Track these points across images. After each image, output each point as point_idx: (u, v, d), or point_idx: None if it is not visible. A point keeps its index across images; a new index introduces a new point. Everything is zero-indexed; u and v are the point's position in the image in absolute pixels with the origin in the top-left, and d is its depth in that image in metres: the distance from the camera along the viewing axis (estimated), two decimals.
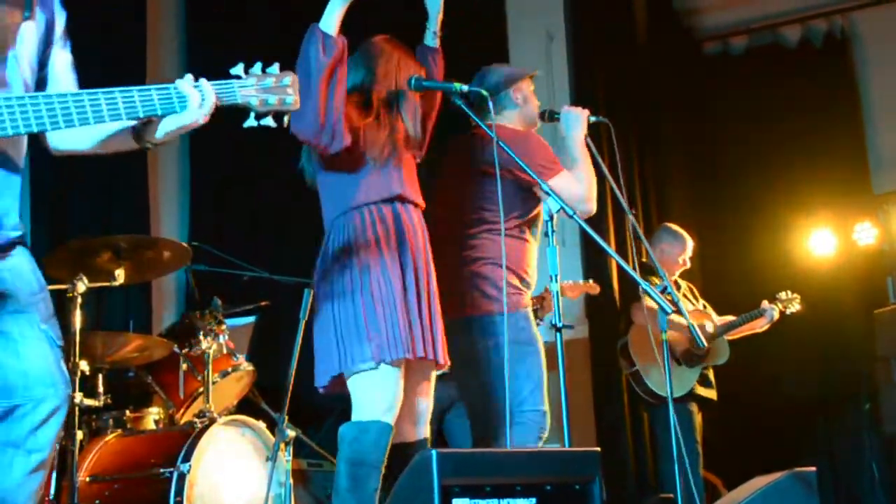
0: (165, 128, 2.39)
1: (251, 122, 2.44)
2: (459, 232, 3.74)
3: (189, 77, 2.37)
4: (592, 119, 3.79)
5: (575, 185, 3.68)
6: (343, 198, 3.28)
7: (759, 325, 5.38)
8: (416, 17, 3.59)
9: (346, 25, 3.21)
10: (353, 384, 3.23)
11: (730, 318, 5.34)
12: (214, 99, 2.36)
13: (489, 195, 3.63)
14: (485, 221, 3.71)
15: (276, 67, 2.45)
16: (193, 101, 2.32)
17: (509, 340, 3.39)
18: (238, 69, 2.43)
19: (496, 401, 3.54)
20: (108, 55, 5.27)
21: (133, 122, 2.42)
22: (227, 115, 2.44)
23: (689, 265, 5.39)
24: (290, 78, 2.45)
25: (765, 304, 5.34)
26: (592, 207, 3.72)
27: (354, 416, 3.22)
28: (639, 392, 5.28)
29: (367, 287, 3.19)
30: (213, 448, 3.96)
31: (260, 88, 2.42)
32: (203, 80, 2.37)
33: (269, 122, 2.44)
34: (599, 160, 3.69)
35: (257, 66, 2.44)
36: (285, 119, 2.47)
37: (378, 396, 3.20)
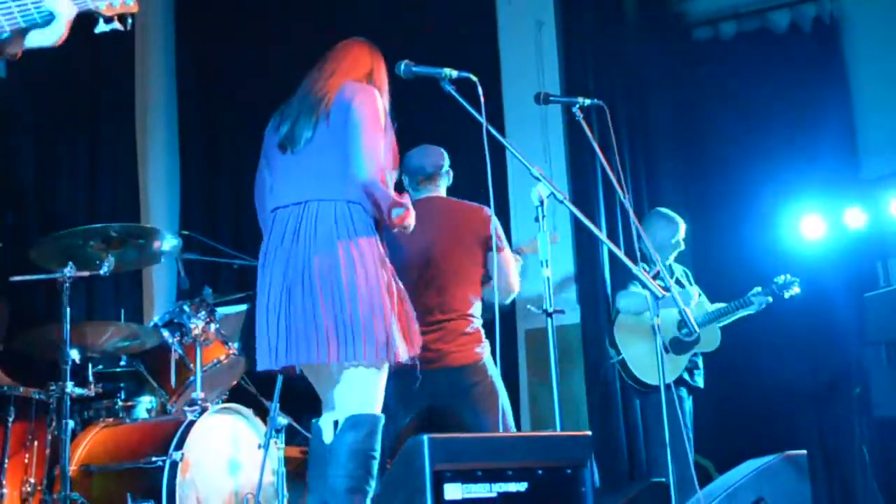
0: (29, 42, 2.35)
1: (102, 27, 2.40)
2: None
3: None
4: (587, 102, 3.68)
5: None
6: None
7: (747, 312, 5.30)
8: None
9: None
10: (370, 372, 3.17)
11: (720, 304, 5.30)
12: (75, 8, 2.34)
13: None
14: None
15: None
16: (62, 16, 2.30)
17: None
18: None
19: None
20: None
21: None
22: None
23: (683, 247, 5.37)
24: None
25: (756, 290, 5.28)
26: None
27: (363, 409, 3.15)
28: (627, 380, 5.28)
29: (382, 282, 3.17)
30: (205, 436, 3.97)
31: None
32: None
33: (115, 25, 2.40)
34: (594, 144, 3.64)
35: None
36: (129, 22, 2.43)
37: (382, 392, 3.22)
